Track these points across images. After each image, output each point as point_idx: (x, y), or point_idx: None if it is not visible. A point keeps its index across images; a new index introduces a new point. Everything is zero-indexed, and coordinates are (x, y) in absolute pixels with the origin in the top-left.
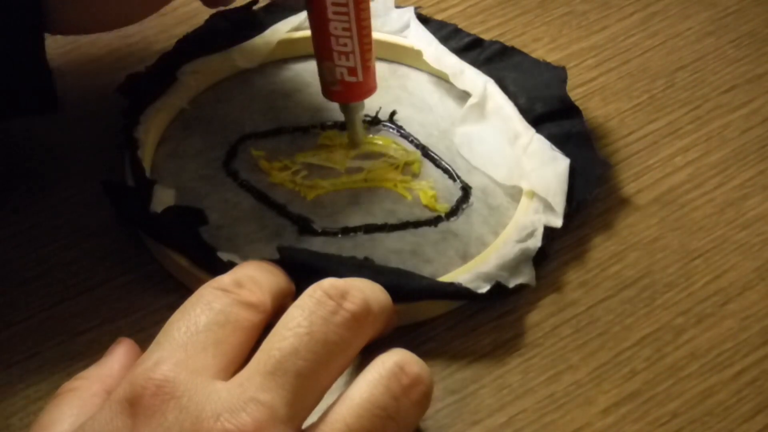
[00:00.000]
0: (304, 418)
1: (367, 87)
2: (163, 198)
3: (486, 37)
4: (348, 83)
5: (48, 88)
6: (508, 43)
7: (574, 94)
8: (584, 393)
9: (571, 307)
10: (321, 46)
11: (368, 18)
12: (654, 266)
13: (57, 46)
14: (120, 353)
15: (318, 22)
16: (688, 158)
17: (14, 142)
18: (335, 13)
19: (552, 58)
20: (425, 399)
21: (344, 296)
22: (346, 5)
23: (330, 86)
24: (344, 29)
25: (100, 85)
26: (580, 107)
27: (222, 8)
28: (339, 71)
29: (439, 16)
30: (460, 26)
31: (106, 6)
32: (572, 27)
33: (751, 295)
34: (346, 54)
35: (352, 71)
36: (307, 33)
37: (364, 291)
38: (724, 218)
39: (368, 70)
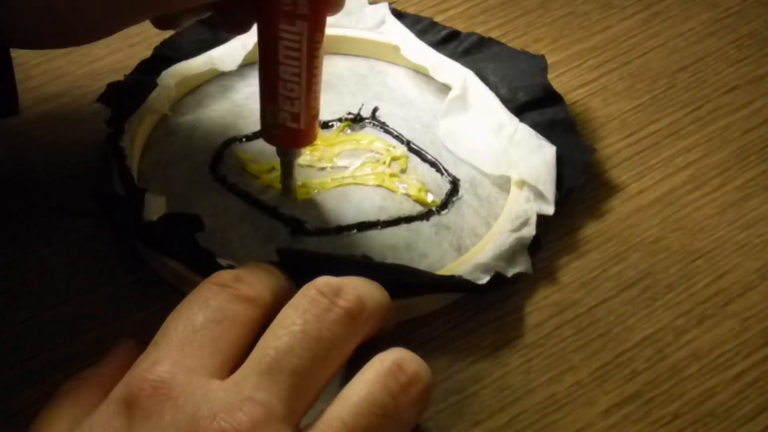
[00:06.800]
0: (301, 416)
1: (308, 135)
2: (155, 206)
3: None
4: (289, 129)
5: (11, 95)
6: (510, 44)
7: (576, 94)
8: (586, 394)
9: (572, 307)
10: (266, 88)
11: (320, 66)
12: (655, 267)
13: None
14: (120, 353)
15: (267, 64)
16: (690, 159)
17: (14, 143)
18: (286, 57)
19: (553, 58)
20: (424, 397)
21: (338, 294)
22: (298, 51)
23: (270, 128)
24: (294, 74)
25: (101, 86)
26: (582, 108)
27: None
28: (282, 116)
29: (440, 17)
30: (461, 27)
31: (63, 23)
32: (573, 27)
33: (753, 295)
34: (292, 100)
35: (295, 118)
36: None
37: (359, 288)
38: (725, 219)
39: (312, 119)
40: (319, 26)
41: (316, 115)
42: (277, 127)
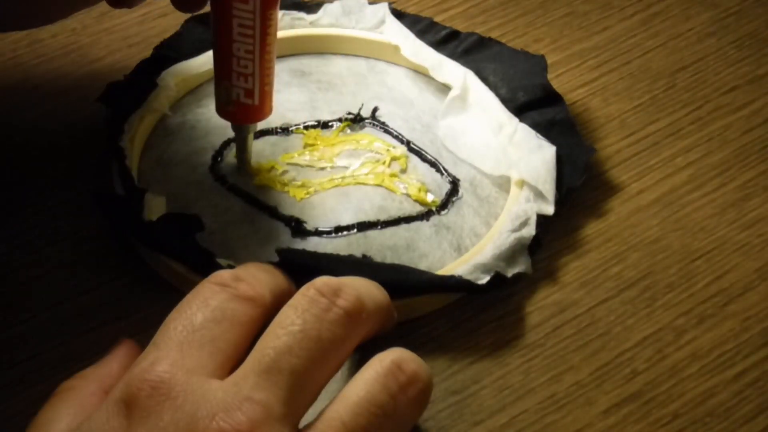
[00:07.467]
0: (300, 416)
1: (262, 111)
2: (155, 206)
3: None
4: (243, 104)
5: None
6: (510, 44)
7: (576, 94)
8: (585, 394)
9: (572, 307)
10: (221, 65)
11: (273, 43)
12: (655, 267)
13: (59, 46)
14: (120, 353)
15: (221, 41)
16: (690, 159)
17: (15, 144)
18: (240, 34)
19: (553, 58)
20: (423, 397)
21: (337, 293)
22: (252, 28)
23: (224, 105)
24: (247, 51)
25: (101, 86)
26: (582, 108)
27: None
28: (236, 92)
29: (440, 17)
30: (461, 27)
31: (23, 4)
32: (573, 27)
33: (753, 296)
34: (246, 76)
35: (249, 93)
36: (282, 33)
37: (358, 288)
38: (725, 219)
39: (265, 95)
40: (271, 3)
41: (270, 90)
42: (231, 103)
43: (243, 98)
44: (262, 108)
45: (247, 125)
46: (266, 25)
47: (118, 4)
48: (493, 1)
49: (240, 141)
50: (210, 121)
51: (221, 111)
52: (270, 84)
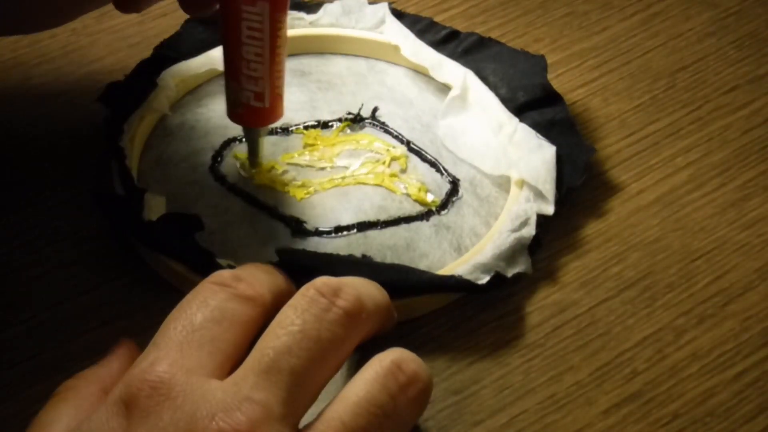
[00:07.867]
0: (300, 416)
1: (273, 114)
2: (154, 206)
3: None
4: (253, 107)
5: None
6: (509, 44)
7: (576, 94)
8: (585, 393)
9: (572, 307)
10: (230, 68)
11: (283, 46)
12: (655, 267)
13: (59, 46)
14: (120, 353)
15: (230, 43)
16: (690, 159)
17: (15, 144)
18: (249, 37)
19: (553, 58)
20: (423, 397)
21: (337, 294)
22: (261, 31)
23: (234, 107)
24: (257, 54)
25: (101, 86)
26: (582, 108)
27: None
28: (246, 95)
29: (440, 17)
30: (461, 27)
31: (33, 8)
32: (573, 27)
33: (753, 295)
34: (255, 79)
35: (258, 96)
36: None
37: (358, 288)
38: (725, 219)
39: (276, 98)
40: (280, 6)
41: (281, 93)
42: (241, 105)
43: (253, 101)
44: (273, 111)
45: (257, 128)
46: (276, 28)
47: (127, 9)
48: (493, 1)
49: (250, 143)
50: (210, 120)
51: (231, 114)
52: (281, 87)
